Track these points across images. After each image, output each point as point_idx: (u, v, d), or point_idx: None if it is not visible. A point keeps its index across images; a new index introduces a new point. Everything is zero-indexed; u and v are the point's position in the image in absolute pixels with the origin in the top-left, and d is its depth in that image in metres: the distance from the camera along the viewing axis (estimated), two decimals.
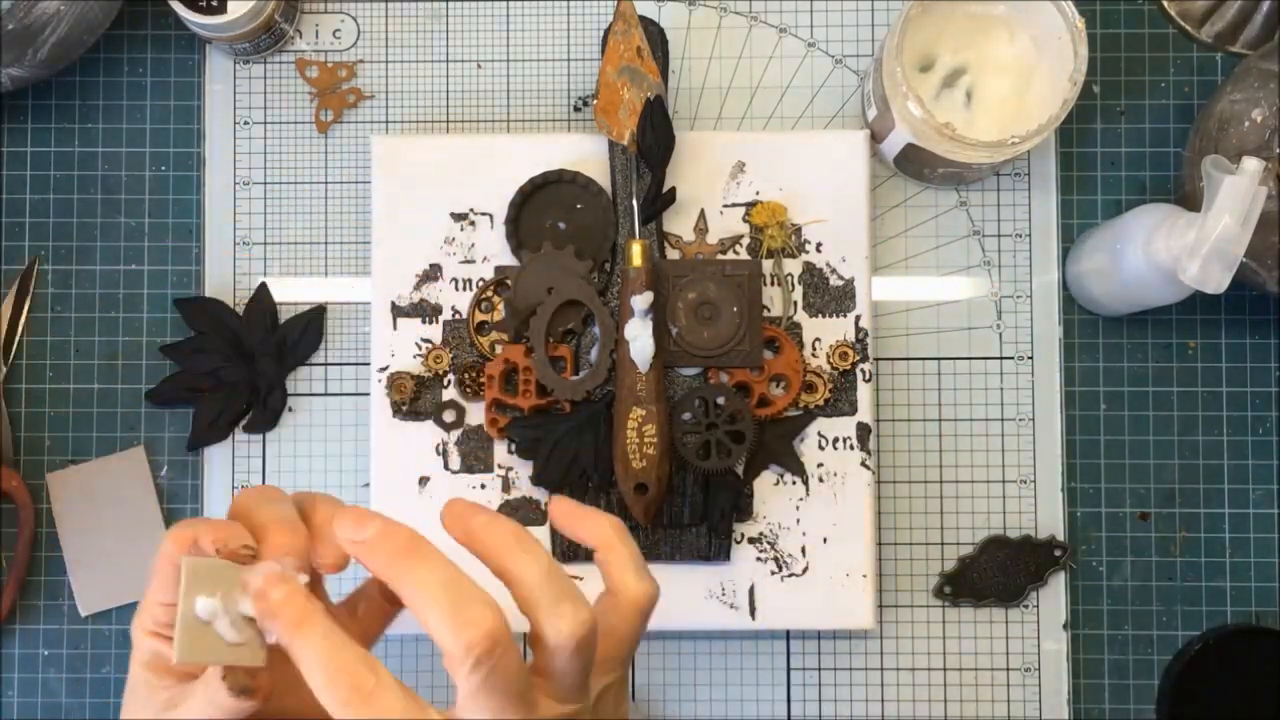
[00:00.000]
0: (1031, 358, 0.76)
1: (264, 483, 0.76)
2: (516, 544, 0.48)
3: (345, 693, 0.45)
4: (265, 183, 0.77)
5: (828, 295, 0.73)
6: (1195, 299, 0.69)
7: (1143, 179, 0.77)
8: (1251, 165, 0.62)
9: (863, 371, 0.73)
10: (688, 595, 0.72)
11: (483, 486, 0.72)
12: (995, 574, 0.75)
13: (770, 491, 0.72)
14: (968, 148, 0.69)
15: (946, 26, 0.72)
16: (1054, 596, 0.75)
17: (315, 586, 0.51)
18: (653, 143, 0.71)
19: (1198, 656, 0.73)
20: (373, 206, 0.74)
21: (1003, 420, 0.76)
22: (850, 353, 0.72)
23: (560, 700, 0.48)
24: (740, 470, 0.72)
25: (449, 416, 0.73)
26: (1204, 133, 0.71)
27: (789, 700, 0.75)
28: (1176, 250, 0.64)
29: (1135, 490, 0.76)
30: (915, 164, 0.74)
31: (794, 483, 0.72)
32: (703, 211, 0.73)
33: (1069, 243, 0.77)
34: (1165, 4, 0.77)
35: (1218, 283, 0.62)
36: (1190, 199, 0.71)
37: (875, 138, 0.75)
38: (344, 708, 0.45)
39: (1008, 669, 0.75)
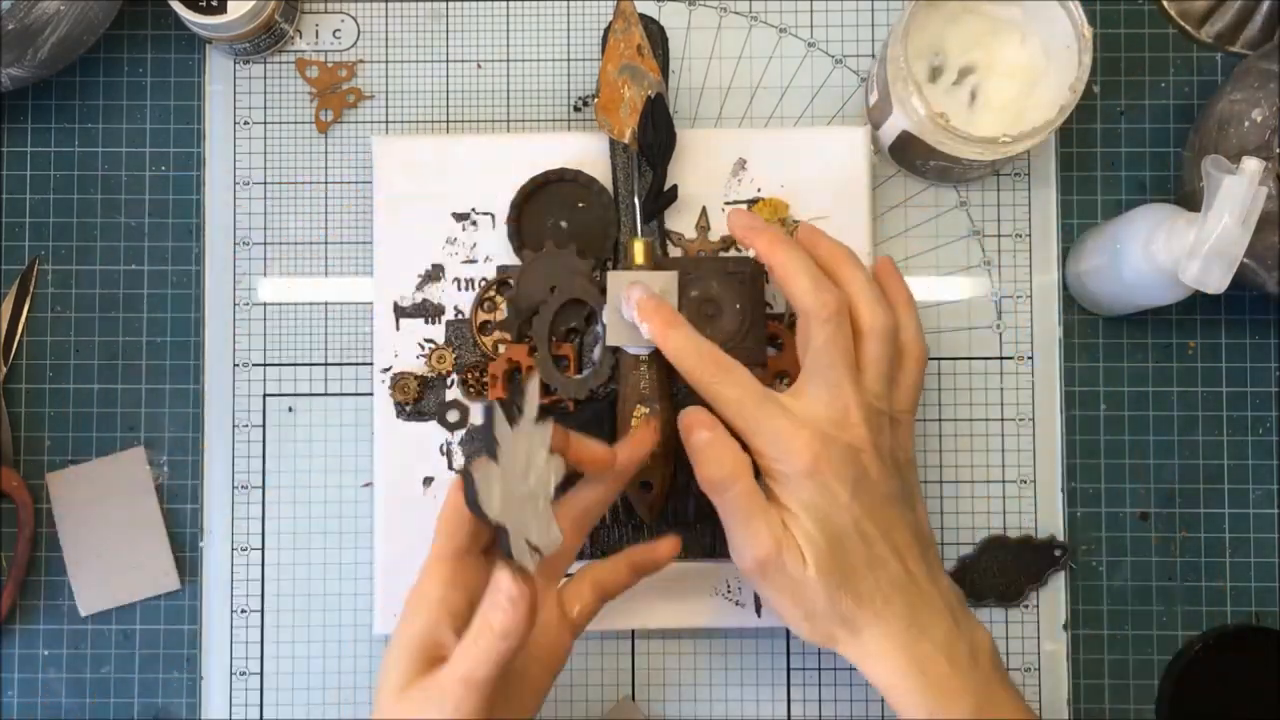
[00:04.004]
0: (1031, 358, 0.76)
1: (263, 483, 0.76)
2: (850, 259, 0.65)
3: (712, 367, 0.62)
4: (265, 183, 0.77)
5: None
6: (1195, 299, 0.69)
7: (1143, 179, 0.77)
8: (1251, 165, 0.62)
9: None
10: (693, 593, 0.72)
11: None
12: (995, 574, 0.75)
13: None
14: (959, 141, 0.69)
15: (960, 25, 0.72)
16: (1054, 596, 0.75)
17: None
18: (654, 140, 0.71)
19: (1198, 656, 0.73)
20: (374, 207, 0.74)
21: (1003, 420, 0.76)
22: None
23: (871, 383, 0.63)
24: None
25: (453, 416, 0.73)
26: (1204, 133, 0.71)
27: (789, 700, 0.75)
28: (1177, 250, 0.64)
29: (1135, 490, 0.76)
30: (909, 154, 0.74)
31: None
32: (704, 209, 0.73)
33: (1069, 243, 0.77)
34: (1165, 4, 0.78)
35: (1218, 283, 0.63)
36: (1190, 199, 0.71)
37: (873, 124, 0.75)
38: (711, 380, 0.62)
39: (1008, 669, 0.75)
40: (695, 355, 0.63)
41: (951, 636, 0.60)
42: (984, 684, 0.60)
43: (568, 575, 0.66)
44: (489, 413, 0.55)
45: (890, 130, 0.73)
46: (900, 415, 0.64)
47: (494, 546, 0.58)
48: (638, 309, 0.65)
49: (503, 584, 0.54)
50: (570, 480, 0.64)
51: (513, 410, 0.55)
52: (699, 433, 0.63)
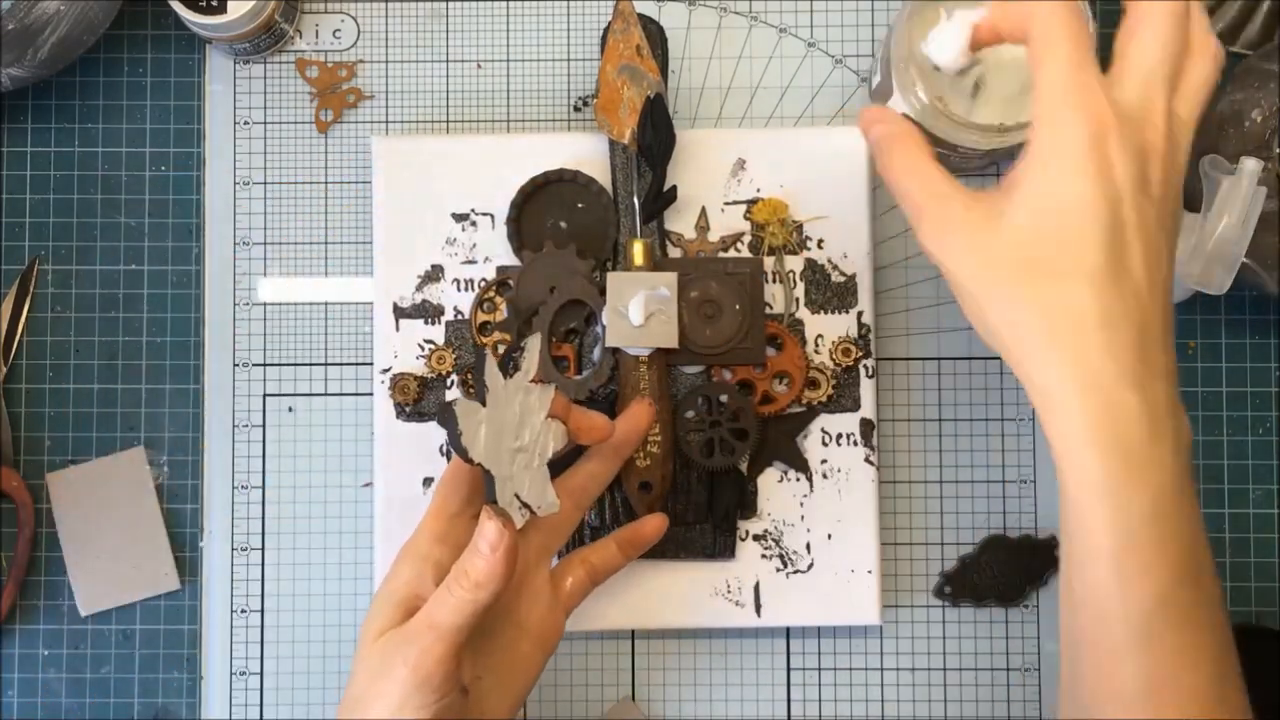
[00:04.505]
0: None
1: (263, 483, 0.76)
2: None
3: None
4: (265, 183, 0.77)
5: (830, 292, 0.73)
6: (1195, 299, 0.69)
7: None
8: (1250, 165, 0.62)
9: (865, 367, 0.73)
10: (693, 593, 0.72)
11: None
12: (995, 574, 0.75)
13: (774, 488, 0.72)
14: (955, 126, 0.69)
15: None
16: (1054, 596, 0.75)
17: None
18: (653, 141, 0.71)
19: None
20: (373, 207, 0.74)
21: (1003, 420, 0.76)
22: (853, 349, 0.72)
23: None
24: (744, 467, 0.72)
25: None
26: (1204, 133, 0.71)
27: (789, 700, 0.75)
28: (1177, 251, 0.64)
29: None
30: None
31: (798, 479, 0.72)
32: (704, 209, 0.73)
33: None
34: None
35: (1219, 284, 0.63)
36: (1190, 199, 0.71)
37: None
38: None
39: (1008, 669, 0.75)
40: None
41: (1165, 408, 0.51)
42: (1178, 474, 0.51)
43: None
44: (480, 358, 0.56)
45: None
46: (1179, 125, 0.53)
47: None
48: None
49: (484, 529, 0.54)
50: (572, 459, 0.66)
51: (508, 364, 0.57)
52: (878, 127, 0.57)
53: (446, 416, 0.55)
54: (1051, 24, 0.52)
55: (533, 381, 0.58)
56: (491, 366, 0.56)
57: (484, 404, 0.56)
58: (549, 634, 0.63)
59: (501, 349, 0.72)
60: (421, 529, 0.60)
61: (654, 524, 0.67)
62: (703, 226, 0.73)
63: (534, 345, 0.58)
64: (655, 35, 0.73)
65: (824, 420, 0.73)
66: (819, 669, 0.75)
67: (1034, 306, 0.51)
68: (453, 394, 0.73)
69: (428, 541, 0.59)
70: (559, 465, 0.67)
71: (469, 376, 0.73)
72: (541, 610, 0.62)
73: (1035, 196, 0.51)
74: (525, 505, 0.57)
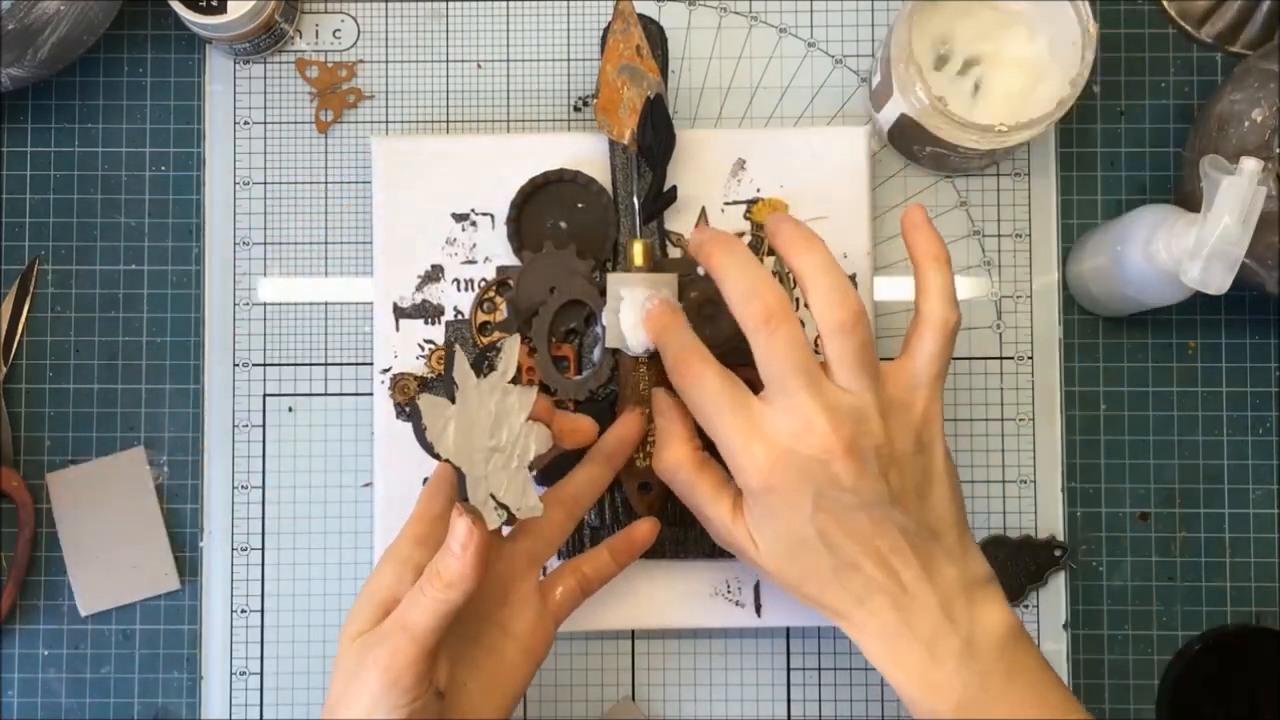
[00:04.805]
0: (1031, 358, 0.76)
1: (263, 483, 0.76)
2: (803, 243, 0.60)
3: (679, 369, 0.62)
4: (265, 183, 0.77)
5: None
6: (1195, 299, 0.69)
7: (1143, 179, 0.77)
8: (1250, 165, 0.62)
9: None
10: (693, 593, 0.72)
11: None
12: (995, 574, 0.75)
13: None
14: (956, 126, 0.69)
15: (971, 17, 0.72)
16: (1054, 596, 0.75)
17: None
18: (653, 141, 0.71)
19: (1198, 656, 0.73)
20: (373, 208, 0.74)
21: (1003, 420, 0.76)
22: None
23: (843, 378, 0.59)
24: None
25: None
26: (1204, 133, 0.71)
27: (789, 699, 0.75)
28: (1177, 251, 0.64)
29: (1135, 490, 0.76)
30: (907, 140, 0.74)
31: None
32: (704, 210, 0.73)
33: (1069, 243, 0.77)
34: (1165, 4, 0.78)
35: (1219, 284, 0.62)
36: (1190, 199, 0.71)
37: (874, 107, 0.75)
38: (679, 382, 0.62)
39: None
40: (667, 351, 0.63)
41: (939, 632, 0.59)
42: (979, 675, 0.58)
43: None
44: (449, 354, 0.56)
45: (890, 114, 0.73)
46: (911, 395, 0.60)
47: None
48: (644, 319, 0.66)
49: (454, 528, 0.54)
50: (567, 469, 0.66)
51: (482, 364, 0.56)
52: (657, 418, 0.65)
53: (413, 412, 0.54)
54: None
55: (515, 383, 0.57)
56: (461, 364, 0.55)
57: (452, 399, 0.55)
58: (537, 643, 0.62)
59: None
60: (403, 532, 0.60)
61: (645, 529, 0.67)
62: (703, 227, 0.73)
63: (511, 346, 0.57)
64: (655, 35, 0.73)
65: None
66: (819, 669, 0.75)
67: (797, 594, 0.62)
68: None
69: (408, 544, 0.59)
70: (554, 474, 0.68)
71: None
72: (529, 617, 0.62)
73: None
74: (503, 507, 0.56)
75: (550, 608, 0.63)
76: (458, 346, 0.56)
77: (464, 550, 0.54)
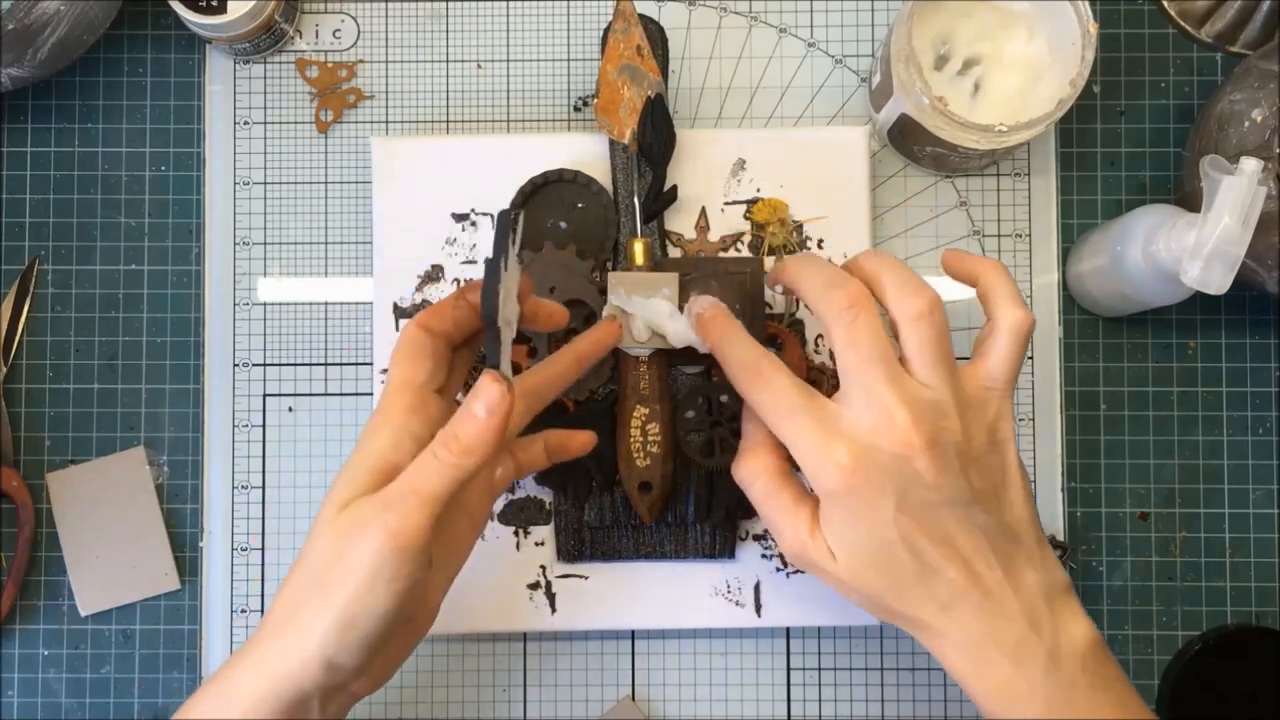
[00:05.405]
0: (1031, 358, 0.76)
1: (263, 483, 0.76)
2: (872, 253, 0.62)
3: (744, 375, 0.61)
4: (265, 183, 0.77)
5: None
6: (1195, 299, 0.69)
7: (1143, 179, 0.77)
8: (1250, 165, 0.62)
9: None
10: (693, 593, 0.72)
11: None
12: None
13: None
14: (956, 126, 0.69)
15: (971, 17, 0.72)
16: None
17: None
18: (653, 141, 0.71)
19: (1198, 656, 0.73)
20: (373, 208, 0.74)
21: None
22: None
23: (922, 373, 0.58)
24: None
25: None
26: (1204, 133, 0.71)
27: (789, 700, 0.75)
28: (1177, 251, 0.64)
29: (1135, 490, 0.76)
30: (907, 140, 0.74)
31: None
32: (704, 209, 0.73)
33: (1069, 243, 0.77)
34: (1165, 4, 0.78)
35: (1220, 284, 0.62)
36: (1190, 199, 0.71)
37: (874, 107, 0.75)
38: (746, 389, 0.61)
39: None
40: (733, 362, 0.62)
41: (1024, 641, 0.57)
42: (1064, 688, 0.57)
43: None
44: (506, 223, 0.53)
45: (890, 114, 0.73)
46: (985, 395, 0.59)
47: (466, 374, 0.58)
48: (697, 325, 0.65)
49: (485, 391, 0.52)
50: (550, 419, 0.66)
51: (507, 236, 0.54)
52: (744, 424, 0.64)
53: (491, 273, 0.51)
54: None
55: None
56: (513, 233, 0.53)
57: (505, 266, 0.53)
58: (481, 516, 0.61)
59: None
60: (391, 401, 0.56)
61: (582, 439, 0.66)
62: (703, 226, 0.73)
63: (520, 219, 0.56)
64: (655, 35, 0.73)
65: None
66: (819, 669, 0.75)
67: (876, 605, 0.60)
68: None
69: (402, 412, 0.55)
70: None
71: (468, 377, 0.73)
72: (480, 492, 0.61)
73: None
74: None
75: (492, 483, 0.62)
76: (518, 214, 0.54)
77: (490, 415, 0.52)
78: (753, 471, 0.62)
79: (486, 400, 0.52)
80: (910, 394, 0.57)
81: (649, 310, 0.67)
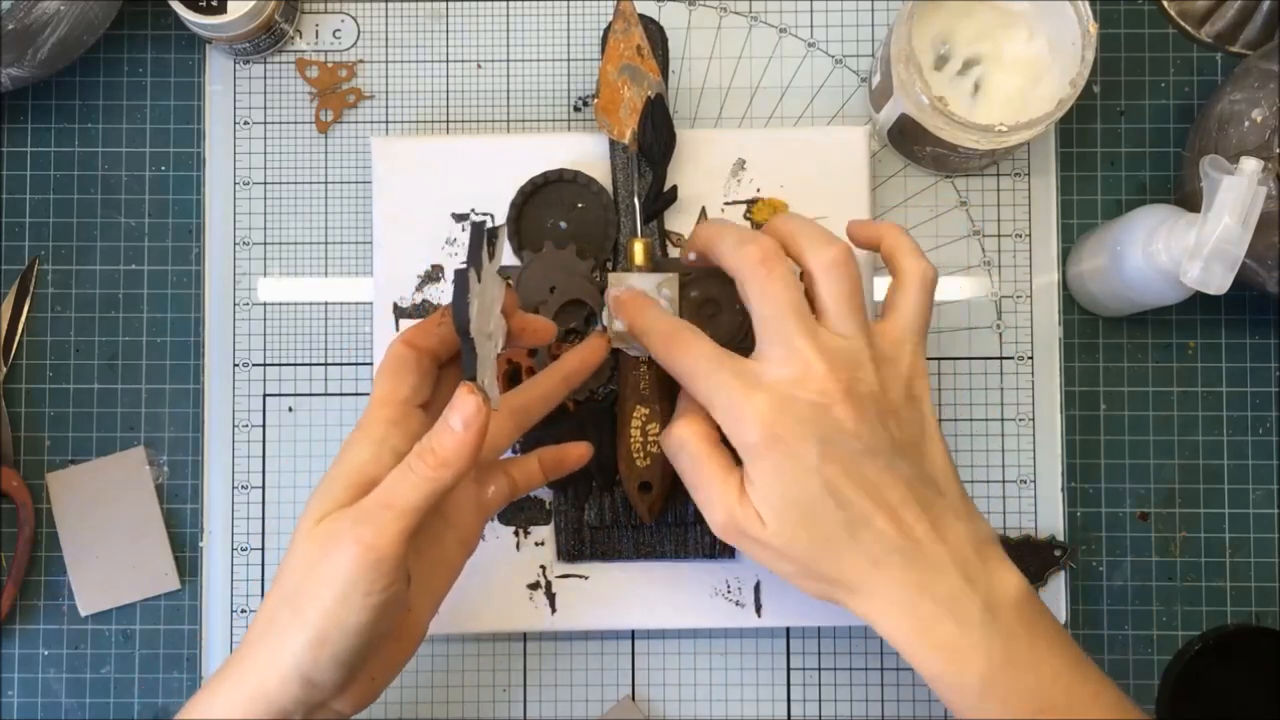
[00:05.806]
0: (1031, 358, 0.76)
1: (263, 483, 0.76)
2: (786, 215, 0.63)
3: (662, 340, 0.62)
4: (265, 183, 0.77)
5: None
6: (1195, 299, 0.69)
7: (1143, 179, 0.77)
8: (1250, 165, 0.62)
9: None
10: (694, 593, 0.72)
11: None
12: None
13: None
14: (956, 126, 0.69)
15: (971, 17, 0.72)
16: (1054, 596, 0.75)
17: None
18: (654, 141, 0.71)
19: (1198, 656, 0.73)
20: (373, 208, 0.74)
21: (1003, 420, 0.76)
22: None
23: (836, 323, 0.59)
24: None
25: None
26: (1204, 133, 0.71)
27: (789, 699, 0.75)
28: (1177, 251, 0.64)
29: (1135, 490, 0.76)
30: (907, 140, 0.74)
31: None
32: (704, 209, 0.73)
33: (1069, 243, 0.77)
34: (1165, 4, 0.78)
35: (1220, 284, 0.62)
36: (1190, 199, 0.71)
37: (874, 107, 0.75)
38: (665, 354, 0.62)
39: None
40: (653, 333, 0.63)
41: (959, 593, 0.57)
42: (1002, 639, 0.56)
43: None
44: (478, 232, 0.53)
45: (890, 114, 0.73)
46: (898, 349, 0.60)
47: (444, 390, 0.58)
48: (614, 307, 0.66)
49: (462, 403, 0.51)
50: (542, 434, 0.67)
51: (482, 246, 0.54)
52: (679, 399, 0.64)
53: (457, 283, 0.51)
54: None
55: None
56: (486, 245, 0.53)
57: (479, 278, 0.52)
58: (471, 534, 0.61)
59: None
60: (373, 415, 0.56)
61: (579, 451, 0.65)
62: None
63: (501, 232, 0.56)
64: (655, 35, 0.73)
65: None
66: (819, 669, 0.75)
67: (807, 568, 0.60)
68: None
69: (382, 426, 0.55)
70: (538, 428, 0.67)
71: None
72: (468, 509, 0.60)
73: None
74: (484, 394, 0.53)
75: (482, 502, 0.62)
76: (490, 226, 0.54)
77: (466, 429, 0.51)
78: (679, 439, 0.61)
79: (462, 413, 0.52)
80: (825, 344, 0.58)
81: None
